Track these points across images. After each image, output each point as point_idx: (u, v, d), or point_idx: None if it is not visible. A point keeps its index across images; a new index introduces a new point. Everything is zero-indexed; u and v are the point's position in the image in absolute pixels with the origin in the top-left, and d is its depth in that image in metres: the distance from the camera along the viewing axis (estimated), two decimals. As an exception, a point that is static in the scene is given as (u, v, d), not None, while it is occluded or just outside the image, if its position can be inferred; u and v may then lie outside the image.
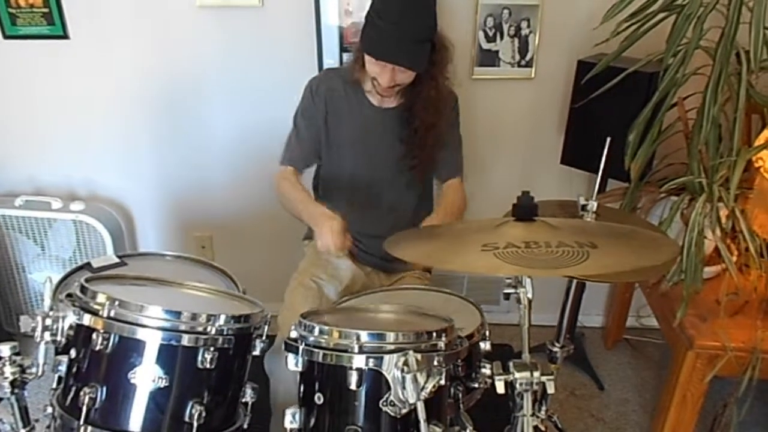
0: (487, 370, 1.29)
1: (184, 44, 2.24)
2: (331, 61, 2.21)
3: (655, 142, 1.86)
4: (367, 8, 1.67)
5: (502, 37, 2.17)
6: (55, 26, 2.21)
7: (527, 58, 2.20)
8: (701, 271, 1.77)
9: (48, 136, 2.42)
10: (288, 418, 1.20)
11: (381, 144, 1.81)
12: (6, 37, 2.24)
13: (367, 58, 1.65)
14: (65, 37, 2.23)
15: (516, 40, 2.17)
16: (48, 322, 1.15)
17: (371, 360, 1.12)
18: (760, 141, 1.75)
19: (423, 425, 1.07)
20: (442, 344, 1.18)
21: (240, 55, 2.25)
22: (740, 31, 1.63)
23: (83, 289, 1.18)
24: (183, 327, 1.16)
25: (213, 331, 1.18)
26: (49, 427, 1.21)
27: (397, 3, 1.59)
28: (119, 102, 2.35)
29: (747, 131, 1.88)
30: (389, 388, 1.12)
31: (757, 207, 1.77)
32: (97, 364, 1.15)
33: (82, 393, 1.13)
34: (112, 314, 1.14)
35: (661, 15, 1.77)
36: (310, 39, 2.19)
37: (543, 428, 1.32)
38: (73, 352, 1.17)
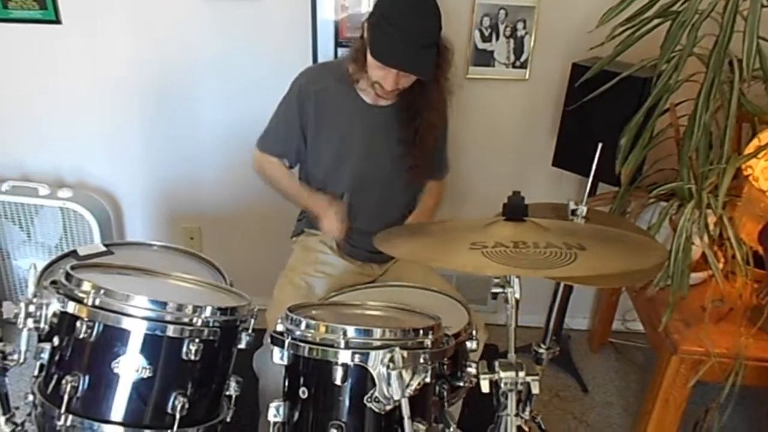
0: (472, 369, 1.29)
1: (178, 33, 2.22)
2: (325, 55, 2.20)
3: (646, 147, 1.86)
4: (371, 9, 1.65)
5: (497, 38, 2.17)
6: (47, 11, 2.18)
7: (522, 59, 2.20)
8: (688, 277, 1.78)
9: (37, 121, 2.39)
10: (272, 411, 1.19)
11: (374, 142, 1.80)
12: (-3, 20, 2.21)
13: (371, 61, 1.62)
14: (57, 22, 2.20)
15: (511, 41, 2.17)
16: (31, 308, 1.14)
17: (357, 356, 1.12)
18: (749, 149, 1.76)
19: (407, 422, 1.07)
20: (428, 342, 1.18)
21: (234, 46, 2.24)
22: (734, 39, 1.64)
23: (68, 277, 1.17)
24: (168, 318, 1.15)
25: (199, 323, 1.17)
26: (29, 414, 1.19)
27: (405, 6, 1.57)
28: (110, 89, 2.32)
29: (737, 139, 1.89)
30: (374, 385, 1.11)
31: (744, 215, 1.79)
32: (80, 352, 1.14)
33: (64, 381, 1.12)
34: (97, 303, 1.13)
35: (656, 21, 1.78)
36: (305, 32, 2.18)
37: (526, 429, 1.33)
38: (56, 340, 1.16)
